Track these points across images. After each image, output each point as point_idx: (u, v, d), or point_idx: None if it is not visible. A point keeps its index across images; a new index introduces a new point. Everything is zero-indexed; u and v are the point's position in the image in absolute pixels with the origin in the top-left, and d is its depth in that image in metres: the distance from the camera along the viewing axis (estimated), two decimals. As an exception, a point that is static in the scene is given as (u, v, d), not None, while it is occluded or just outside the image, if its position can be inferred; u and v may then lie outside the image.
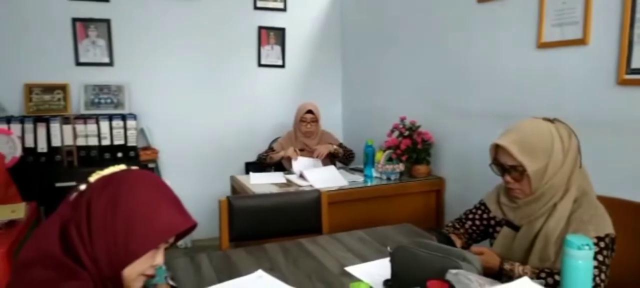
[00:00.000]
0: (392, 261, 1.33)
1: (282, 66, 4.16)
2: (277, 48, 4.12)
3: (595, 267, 1.30)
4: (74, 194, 0.99)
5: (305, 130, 3.26)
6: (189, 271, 1.48)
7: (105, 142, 3.39)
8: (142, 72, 3.65)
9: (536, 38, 2.25)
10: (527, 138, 1.43)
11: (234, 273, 1.47)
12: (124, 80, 3.59)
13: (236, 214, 1.88)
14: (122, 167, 1.06)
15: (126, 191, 0.96)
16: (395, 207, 2.78)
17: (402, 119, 3.04)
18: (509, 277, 1.36)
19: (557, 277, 1.29)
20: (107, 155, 3.39)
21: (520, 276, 1.33)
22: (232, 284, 1.40)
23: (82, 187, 0.99)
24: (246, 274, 1.46)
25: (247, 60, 4.03)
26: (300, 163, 3.05)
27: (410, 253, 1.29)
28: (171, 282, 1.28)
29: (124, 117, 3.43)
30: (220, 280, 1.42)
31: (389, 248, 1.38)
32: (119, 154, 3.42)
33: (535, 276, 1.33)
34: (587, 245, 1.07)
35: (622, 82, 1.86)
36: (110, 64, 3.57)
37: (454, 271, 1.12)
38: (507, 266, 1.39)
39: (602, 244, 1.34)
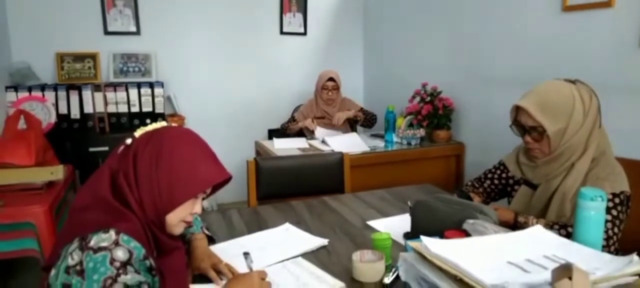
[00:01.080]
0: (412, 214, 1.40)
1: (304, 34, 4.20)
2: (299, 16, 4.15)
3: (609, 221, 1.35)
4: (122, 147, 1.08)
5: (327, 97, 3.31)
6: (221, 224, 1.58)
7: (134, 109, 3.51)
8: (167, 41, 3.74)
9: (561, 1, 2.23)
10: (547, 99, 1.46)
11: (262, 226, 1.57)
12: (151, 49, 3.69)
13: (263, 174, 1.98)
14: (164, 123, 1.14)
15: (168, 145, 1.05)
16: (415, 172, 2.84)
17: (424, 85, 3.06)
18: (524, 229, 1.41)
19: (570, 229, 1.34)
20: (136, 122, 3.51)
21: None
22: (261, 235, 1.49)
23: (129, 141, 1.08)
24: (273, 227, 1.56)
25: (270, 28, 4.08)
26: (320, 133, 3.12)
27: (430, 207, 1.36)
28: (206, 232, 1.38)
29: (151, 85, 3.53)
30: (250, 231, 1.52)
31: (409, 203, 1.45)
32: (148, 121, 3.54)
33: (549, 227, 1.38)
34: (600, 196, 1.12)
35: (647, 44, 1.86)
36: (137, 32, 3.66)
37: (471, 221, 1.18)
38: (521, 219, 1.45)
39: (616, 200, 1.38)
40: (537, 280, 0.78)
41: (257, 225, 1.58)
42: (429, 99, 3.00)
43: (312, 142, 3.01)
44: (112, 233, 0.93)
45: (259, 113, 4.11)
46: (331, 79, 3.28)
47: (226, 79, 3.99)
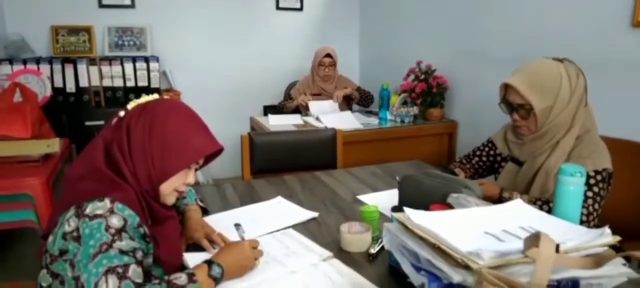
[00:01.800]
0: (400, 189, 1.45)
1: (300, 9, 4.18)
2: (295, -9, 4.13)
3: (590, 197, 1.40)
4: (115, 119, 1.11)
5: (323, 74, 3.32)
6: (215, 197, 1.62)
7: (130, 83, 3.51)
8: (162, 15, 3.72)
9: (554, -20, 2.24)
10: (535, 77, 1.49)
11: (255, 199, 1.61)
12: (146, 22, 3.67)
13: (257, 149, 2.01)
14: (156, 96, 1.17)
15: (160, 116, 1.08)
16: (408, 149, 2.88)
17: (418, 63, 3.08)
18: (507, 205, 1.46)
19: (551, 205, 1.38)
20: (131, 96, 3.52)
21: (518, 203, 1.44)
22: (254, 207, 1.54)
23: (122, 113, 1.11)
24: (266, 200, 1.60)
25: (266, 3, 4.06)
26: (317, 107, 3.13)
27: (416, 181, 1.40)
28: (200, 203, 1.42)
29: (147, 60, 3.53)
30: (243, 204, 1.56)
31: (397, 178, 1.49)
32: (143, 95, 3.52)
33: (531, 203, 1.43)
34: (579, 172, 1.16)
35: (637, 24, 1.88)
36: (132, 6, 3.64)
37: (455, 195, 1.22)
38: (506, 194, 1.50)
39: (598, 177, 1.43)
40: (509, 248, 0.82)
41: (250, 198, 1.62)
42: (423, 77, 3.02)
43: (307, 118, 3.04)
44: (106, 202, 0.96)
45: (254, 89, 4.13)
46: (328, 55, 3.29)
47: (222, 55, 3.99)
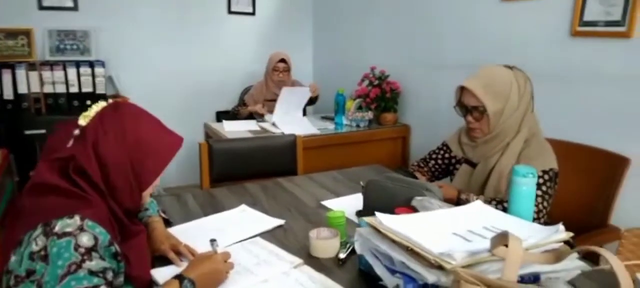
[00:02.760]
0: (364, 193, 1.48)
1: (253, 13, 4.16)
2: (247, -6, 4.10)
3: (539, 196, 1.49)
4: (71, 142, 1.02)
5: (277, 79, 3.32)
6: (176, 207, 1.58)
7: (73, 89, 3.35)
8: (108, 18, 3.57)
9: (500, -9, 2.37)
10: (489, 81, 1.58)
11: (218, 208, 1.59)
12: (90, 25, 3.51)
13: (216, 157, 1.98)
14: (103, 103, 1.10)
15: (130, 124, 1.04)
16: (364, 153, 2.93)
17: (372, 69, 3.15)
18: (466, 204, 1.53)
19: (505, 205, 1.47)
20: (75, 103, 3.36)
21: (475, 204, 1.51)
22: (218, 217, 1.51)
23: (77, 132, 1.03)
24: (230, 209, 1.58)
25: (217, 7, 4.00)
26: (271, 117, 3.08)
27: (380, 186, 1.44)
28: (163, 215, 1.39)
29: (91, 64, 3.39)
30: (206, 214, 1.53)
31: (361, 183, 1.53)
32: (88, 102, 3.38)
33: (487, 203, 1.50)
34: (531, 173, 1.24)
35: (576, 34, 2.03)
36: (75, 8, 3.47)
37: (419, 198, 1.27)
38: (463, 196, 1.57)
39: (546, 177, 1.53)
40: (477, 248, 0.86)
41: (212, 207, 1.60)
42: (377, 82, 3.09)
43: (263, 124, 3.02)
44: (77, 219, 0.92)
45: (206, 94, 4.05)
46: (282, 60, 3.29)
47: (171, 59, 3.89)
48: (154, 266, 1.16)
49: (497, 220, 1.05)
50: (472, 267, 0.84)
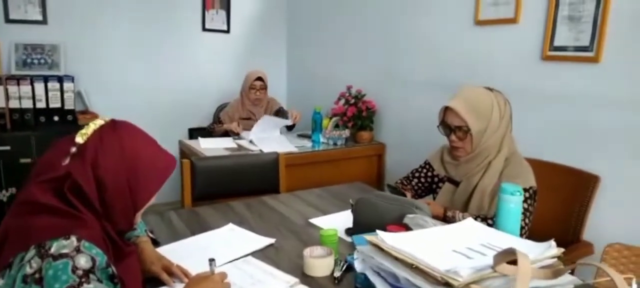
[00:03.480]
0: (354, 211, 1.49)
1: (227, 31, 4.15)
2: (222, 13, 4.09)
3: (521, 213, 1.54)
4: (67, 160, 0.98)
5: (254, 97, 3.31)
6: (161, 226, 1.54)
7: (41, 104, 3.23)
8: (77, 32, 3.48)
9: (474, 16, 2.47)
10: (472, 102, 1.64)
11: (205, 227, 1.56)
12: (59, 39, 3.41)
13: (199, 174, 1.95)
14: (101, 121, 1.07)
15: (129, 143, 1.01)
16: (341, 171, 2.96)
17: (349, 88, 3.19)
18: (452, 222, 1.57)
19: (490, 222, 1.52)
20: (42, 119, 3.23)
21: (461, 220, 1.55)
22: (206, 236, 1.49)
23: (74, 149, 1.00)
24: (217, 228, 1.55)
25: (191, 24, 3.97)
26: (247, 135, 3.06)
27: (371, 204, 1.45)
28: (151, 235, 1.35)
29: (60, 79, 3.28)
30: (193, 233, 1.50)
31: (350, 201, 1.54)
32: (56, 118, 3.28)
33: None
34: (518, 191, 1.29)
35: (546, 58, 2.13)
36: (44, 21, 3.37)
37: (411, 215, 1.29)
38: (449, 213, 1.61)
39: (526, 194, 1.59)
40: (481, 265, 0.89)
41: (198, 226, 1.57)
42: (353, 101, 3.13)
43: (240, 142, 3.00)
44: (73, 240, 0.88)
45: (179, 112, 3.98)
46: (259, 79, 3.29)
47: (143, 75, 3.81)
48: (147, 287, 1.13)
49: (493, 237, 1.08)
50: (477, 283, 0.86)
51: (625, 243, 1.53)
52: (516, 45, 2.28)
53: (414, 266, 0.90)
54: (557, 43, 2.10)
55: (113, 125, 1.06)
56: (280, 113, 3.43)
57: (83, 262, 0.87)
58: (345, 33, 3.53)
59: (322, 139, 3.09)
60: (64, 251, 0.87)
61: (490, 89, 1.71)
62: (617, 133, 1.91)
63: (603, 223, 1.92)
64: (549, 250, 1.00)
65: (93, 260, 0.89)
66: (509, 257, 0.86)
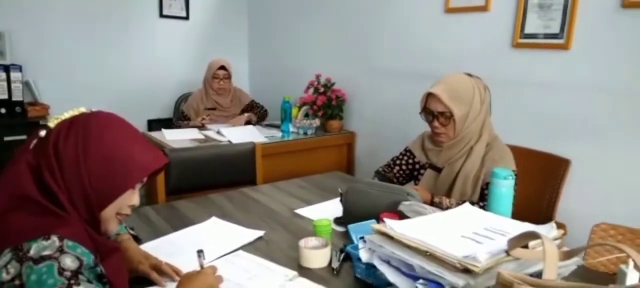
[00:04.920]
0: (345, 200, 1.46)
1: (186, 18, 3.99)
2: (180, -2, 3.92)
3: (512, 197, 1.57)
4: (35, 140, 0.92)
5: (218, 87, 3.20)
6: (138, 223, 1.44)
7: (-15, 96, 2.98)
8: (24, 18, 3.23)
9: (444, 3, 2.49)
10: (454, 88, 1.64)
11: (186, 222, 1.48)
12: (3, 27, 3.15)
13: (173, 167, 1.85)
14: (82, 109, 1.00)
15: (96, 131, 0.92)
16: (311, 160, 2.92)
17: (318, 76, 3.15)
18: (439, 208, 1.57)
19: (480, 205, 1.54)
20: (-12, 112, 2.99)
21: (448, 206, 1.56)
22: (190, 231, 1.41)
23: (42, 133, 0.92)
24: (199, 222, 1.48)
25: (148, 10, 3.79)
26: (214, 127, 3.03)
27: (362, 192, 1.43)
28: (132, 232, 1.26)
29: (6, 69, 3.04)
30: (176, 228, 1.42)
31: (339, 190, 1.51)
32: (2, 110, 3.04)
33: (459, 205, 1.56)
34: (510, 175, 1.30)
35: (517, 45, 2.18)
36: (-15, 6, 3.09)
37: (407, 203, 1.28)
38: (436, 199, 1.61)
39: (510, 178, 1.61)
40: (494, 249, 0.88)
41: (180, 221, 1.48)
42: (322, 89, 3.10)
43: (207, 132, 2.89)
44: (54, 240, 0.80)
45: (136, 102, 3.78)
46: (222, 68, 3.18)
47: (96, 64, 3.59)
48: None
49: (494, 221, 1.08)
50: (492, 269, 0.85)
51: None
52: (487, 33, 2.31)
53: (428, 253, 0.88)
54: (527, 30, 2.15)
55: (88, 113, 0.97)
56: (253, 108, 3.35)
57: (69, 262, 0.79)
58: (312, 21, 3.48)
59: (291, 129, 3.04)
60: (46, 253, 0.78)
61: (470, 75, 1.72)
62: (585, 118, 1.99)
63: (573, 205, 1.99)
64: (552, 231, 1.01)
65: (79, 260, 0.81)
66: (524, 241, 0.85)
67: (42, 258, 0.78)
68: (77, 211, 0.89)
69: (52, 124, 0.94)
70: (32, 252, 0.78)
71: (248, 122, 3.23)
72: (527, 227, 1.08)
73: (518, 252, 0.86)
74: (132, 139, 0.98)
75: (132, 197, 0.99)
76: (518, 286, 0.65)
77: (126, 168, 0.94)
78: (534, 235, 0.82)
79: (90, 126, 0.93)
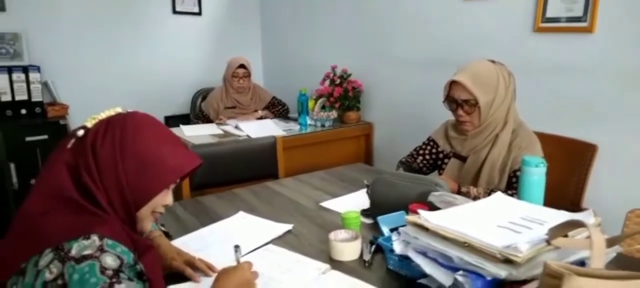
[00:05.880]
0: (371, 191, 1.45)
1: (199, 13, 3.99)
2: (193, -7, 3.92)
3: (544, 185, 1.55)
4: (72, 140, 0.93)
5: (237, 85, 3.19)
6: (167, 219, 1.45)
7: (6, 97, 3.03)
8: (40, 19, 3.25)
9: (462, -11, 2.45)
10: (477, 75, 1.61)
11: (214, 217, 1.48)
12: (20, 27, 3.18)
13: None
14: (118, 109, 1.01)
15: (131, 132, 0.93)
16: (330, 152, 2.92)
17: (333, 68, 3.13)
18: (466, 197, 1.56)
19: (510, 193, 1.51)
20: (9, 113, 3.03)
21: (476, 196, 1.54)
22: (219, 226, 1.41)
23: (80, 132, 0.93)
24: (227, 217, 1.48)
25: (161, 6, 3.79)
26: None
27: (389, 183, 1.42)
28: (162, 228, 1.27)
29: (25, 69, 3.07)
30: (204, 224, 1.43)
31: (365, 182, 1.50)
32: (23, 111, 3.08)
33: (487, 195, 1.54)
34: (542, 163, 1.28)
35: (539, 30, 2.14)
36: (2, 8, 3.12)
37: (436, 193, 1.26)
38: (464, 189, 1.60)
39: (537, 165, 1.59)
40: (534, 238, 0.87)
41: (208, 216, 1.49)
42: (338, 81, 3.08)
43: (225, 127, 2.90)
44: (95, 239, 0.81)
45: (153, 99, 3.80)
46: (242, 66, 3.17)
47: (113, 62, 3.62)
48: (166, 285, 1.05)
49: (529, 210, 1.07)
50: (534, 259, 0.84)
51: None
52: (507, 19, 2.27)
53: (466, 244, 0.87)
54: (549, 14, 2.11)
55: (124, 113, 0.98)
56: (275, 105, 3.33)
57: (110, 261, 0.80)
58: (325, 12, 3.45)
59: (309, 121, 3.03)
60: (87, 252, 0.79)
61: (493, 62, 1.69)
62: (612, 102, 1.95)
63: (601, 191, 1.96)
64: (591, 219, 0.99)
65: (120, 258, 0.82)
66: (566, 230, 0.84)
67: (84, 258, 0.78)
68: (114, 210, 0.90)
69: (89, 123, 0.95)
70: (73, 252, 0.78)
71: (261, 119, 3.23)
72: (564, 215, 1.06)
73: (559, 241, 0.85)
74: (167, 139, 0.99)
75: (167, 197, 1.00)
76: (569, 277, 0.64)
77: (162, 169, 0.95)
78: (577, 224, 0.80)
79: (126, 126, 0.94)
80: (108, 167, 0.89)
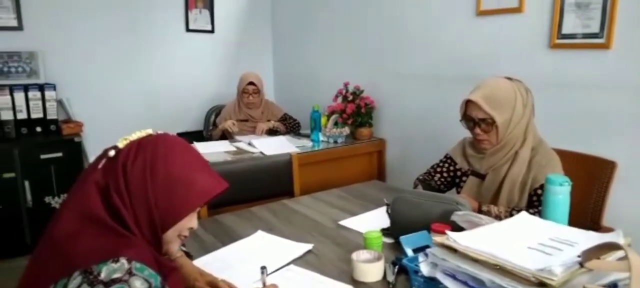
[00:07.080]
0: (392, 210, 1.44)
1: (212, 31, 4.03)
2: (206, 12, 3.97)
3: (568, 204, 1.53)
4: (103, 161, 0.94)
5: (247, 101, 3.23)
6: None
7: (21, 115, 3.06)
8: (56, 38, 3.30)
9: (475, 6, 2.46)
10: (493, 93, 1.61)
11: (233, 236, 1.48)
12: (36, 46, 3.22)
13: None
14: (149, 131, 1.02)
15: (162, 155, 0.94)
16: (344, 168, 2.91)
17: (346, 84, 3.14)
18: (489, 215, 1.54)
19: (531, 212, 1.49)
20: (24, 130, 3.06)
21: (497, 215, 1.53)
22: (238, 246, 1.41)
23: (112, 152, 0.94)
24: (245, 236, 1.48)
25: (175, 25, 3.84)
26: (242, 137, 3.08)
27: (410, 202, 1.40)
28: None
29: (41, 88, 3.11)
30: (224, 243, 1.42)
31: (385, 200, 1.49)
32: (38, 128, 3.11)
33: (508, 214, 1.52)
34: (566, 182, 1.26)
35: (554, 46, 2.14)
36: (20, 27, 3.17)
37: (460, 213, 1.25)
38: (484, 208, 1.58)
39: (558, 183, 1.57)
40: (566, 260, 0.85)
41: (227, 235, 1.49)
42: (351, 97, 3.09)
43: (238, 144, 2.91)
44: (123, 262, 0.80)
45: (166, 116, 3.84)
46: (251, 83, 3.20)
47: (127, 81, 3.65)
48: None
49: (557, 231, 1.05)
50: (568, 282, 0.82)
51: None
52: (522, 35, 2.27)
53: (497, 267, 0.86)
54: (565, 30, 2.10)
55: (155, 136, 0.99)
56: (286, 120, 3.35)
57: (139, 284, 0.80)
58: (335, 28, 3.48)
59: (321, 138, 3.03)
60: (116, 276, 0.79)
61: (510, 79, 1.68)
62: (630, 118, 1.93)
63: (621, 209, 1.93)
64: (620, 239, 0.98)
65: (148, 282, 0.82)
66: (600, 252, 0.82)
67: (113, 282, 0.78)
68: (141, 232, 0.89)
69: (121, 144, 0.96)
70: (102, 276, 0.78)
71: (272, 130, 3.24)
72: (593, 236, 1.05)
73: (593, 264, 0.83)
74: (196, 162, 1.00)
75: (192, 220, 1.00)
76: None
77: (191, 191, 0.95)
78: (613, 246, 0.79)
79: (157, 148, 0.94)
80: (138, 188, 0.90)
